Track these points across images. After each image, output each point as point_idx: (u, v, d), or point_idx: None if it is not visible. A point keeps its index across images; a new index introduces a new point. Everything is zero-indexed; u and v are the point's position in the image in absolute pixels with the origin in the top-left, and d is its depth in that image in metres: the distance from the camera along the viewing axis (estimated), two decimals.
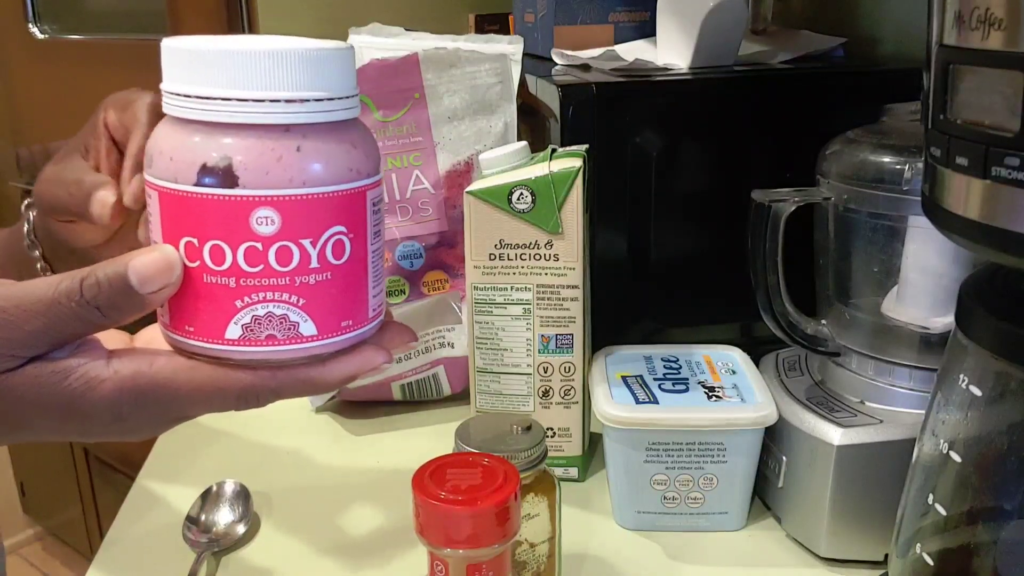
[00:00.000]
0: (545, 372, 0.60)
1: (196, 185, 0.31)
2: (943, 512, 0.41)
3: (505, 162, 0.58)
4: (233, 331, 0.33)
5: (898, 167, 0.50)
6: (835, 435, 0.51)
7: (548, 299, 0.59)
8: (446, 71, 0.70)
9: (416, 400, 0.74)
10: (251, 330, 0.33)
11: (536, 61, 0.84)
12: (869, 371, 0.54)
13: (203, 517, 0.58)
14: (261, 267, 0.32)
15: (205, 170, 0.31)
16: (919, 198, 0.40)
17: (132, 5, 1.53)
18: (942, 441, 0.41)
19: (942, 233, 0.38)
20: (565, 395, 0.61)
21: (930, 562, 0.41)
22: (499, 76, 0.70)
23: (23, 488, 2.14)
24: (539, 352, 0.60)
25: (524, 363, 0.60)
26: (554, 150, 0.59)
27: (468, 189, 0.58)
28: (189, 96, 0.31)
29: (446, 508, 0.35)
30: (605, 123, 0.65)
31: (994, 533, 0.40)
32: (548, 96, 0.69)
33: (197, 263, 0.32)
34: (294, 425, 0.72)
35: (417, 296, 0.71)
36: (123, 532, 0.59)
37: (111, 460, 1.79)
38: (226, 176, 0.31)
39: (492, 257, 0.59)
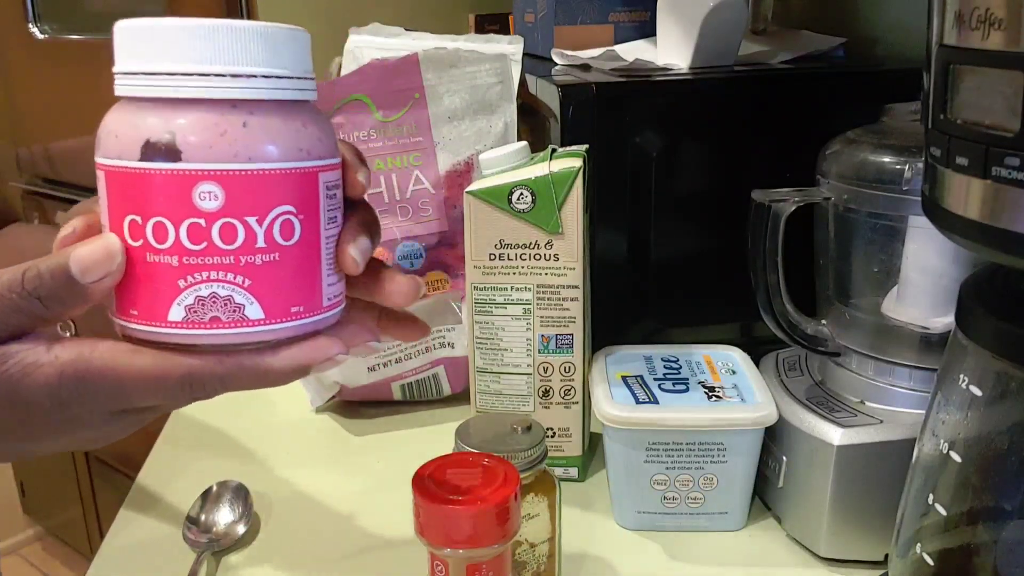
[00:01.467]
0: (545, 372, 0.60)
1: (140, 160, 0.31)
2: (943, 512, 0.41)
3: (505, 162, 0.58)
4: (176, 312, 0.32)
5: (898, 167, 0.50)
6: (835, 435, 0.51)
7: (548, 299, 0.59)
8: (446, 71, 0.70)
9: (416, 400, 0.74)
10: (194, 311, 0.32)
11: (536, 61, 0.84)
12: (869, 371, 0.54)
13: (203, 517, 0.58)
14: (204, 244, 0.31)
15: (148, 145, 0.31)
16: (919, 198, 0.40)
17: (132, 5, 1.53)
18: (942, 441, 0.41)
19: (942, 233, 0.38)
20: (565, 395, 0.61)
21: (930, 562, 0.41)
22: (499, 76, 0.70)
23: (23, 488, 2.14)
24: (539, 352, 0.60)
25: (524, 363, 0.60)
26: (554, 150, 0.59)
27: (468, 189, 0.58)
28: (135, 73, 0.31)
29: (446, 508, 0.35)
30: (605, 123, 0.65)
31: (994, 533, 0.40)
32: (548, 96, 0.69)
33: (140, 242, 0.32)
34: (294, 425, 0.72)
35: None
36: (123, 532, 0.59)
37: (111, 460, 1.79)
38: (169, 150, 0.31)
39: (492, 257, 0.59)
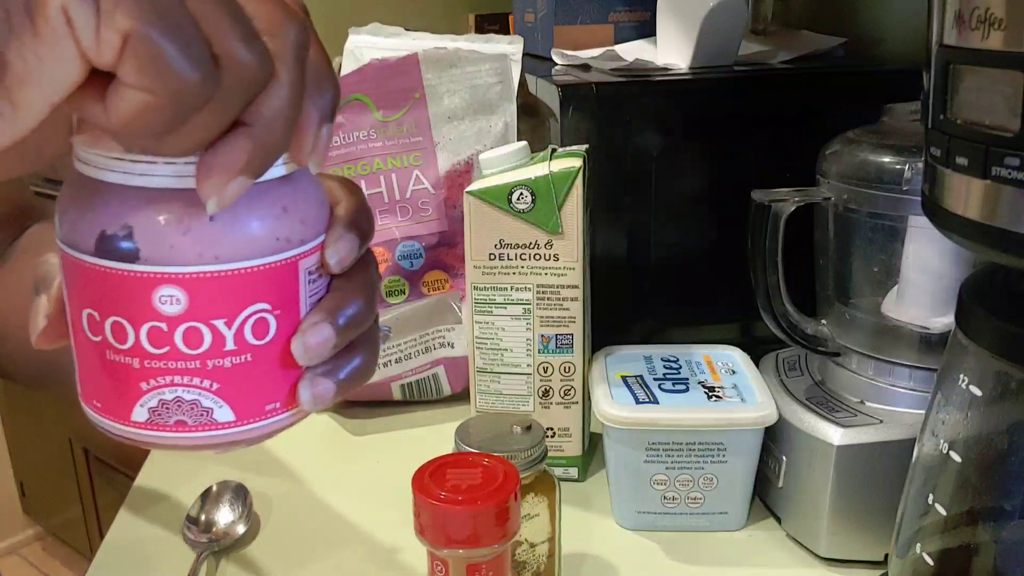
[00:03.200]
0: (545, 372, 0.60)
1: (95, 255, 0.27)
2: (943, 512, 0.41)
3: (505, 162, 0.58)
4: (139, 413, 0.29)
5: (898, 167, 0.50)
6: (835, 435, 0.51)
7: (548, 299, 0.59)
8: (446, 71, 0.70)
9: (416, 400, 0.74)
10: (158, 414, 0.29)
11: (536, 61, 0.84)
12: (869, 371, 0.54)
13: (203, 517, 0.58)
14: (167, 349, 0.28)
15: (104, 239, 0.27)
16: (919, 198, 0.40)
17: None
18: (942, 441, 0.41)
19: (942, 233, 0.38)
20: (565, 395, 0.61)
21: (930, 562, 0.41)
22: (499, 76, 0.70)
23: (23, 488, 2.14)
24: (539, 352, 0.60)
25: (524, 363, 0.60)
26: (554, 150, 0.59)
27: (468, 189, 0.58)
28: (90, 152, 0.27)
29: (446, 508, 0.35)
30: (605, 123, 0.65)
31: (994, 533, 0.40)
32: (548, 96, 0.69)
33: (100, 338, 0.28)
34: (294, 425, 0.72)
35: (417, 296, 0.71)
36: (123, 532, 0.59)
37: (111, 460, 1.79)
38: (126, 247, 0.27)
39: (492, 257, 0.59)
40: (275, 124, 0.25)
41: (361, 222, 0.31)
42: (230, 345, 0.28)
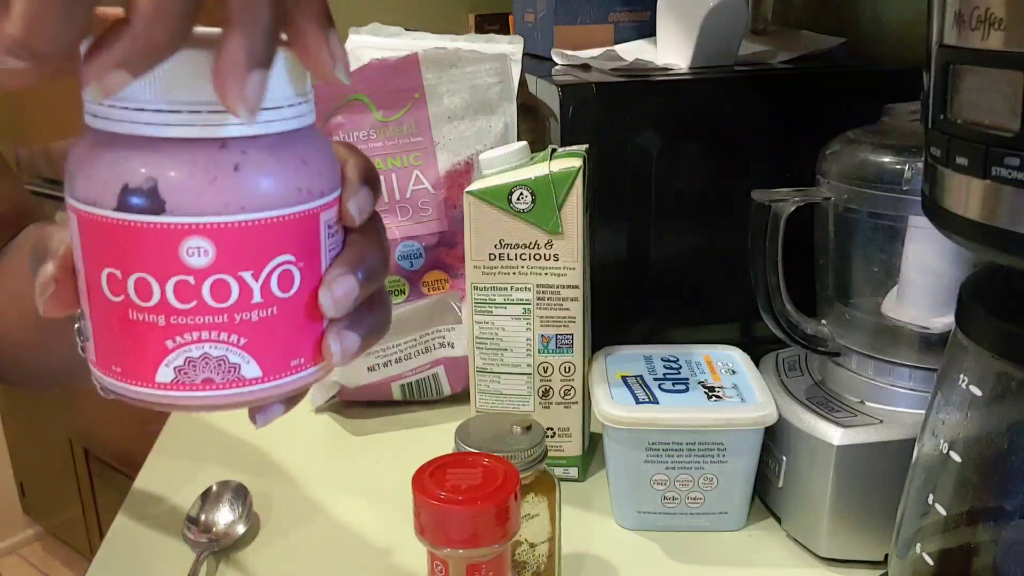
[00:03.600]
0: (545, 372, 0.60)
1: (117, 210, 0.27)
2: (943, 512, 0.41)
3: (505, 162, 0.58)
4: (164, 374, 0.28)
5: (898, 167, 0.50)
6: (835, 435, 0.51)
7: (548, 299, 0.59)
8: (446, 71, 0.70)
9: (416, 400, 0.74)
10: (185, 373, 0.28)
11: (536, 61, 0.84)
12: (869, 371, 0.54)
13: (203, 517, 0.58)
14: (194, 303, 0.27)
15: (127, 192, 0.26)
16: (919, 198, 0.40)
17: None
18: (942, 441, 0.41)
19: (942, 233, 0.38)
20: (565, 395, 0.61)
21: (930, 562, 0.41)
22: (499, 76, 0.70)
23: (23, 488, 2.14)
24: (539, 352, 0.60)
25: (524, 363, 0.60)
26: (554, 150, 0.59)
27: (468, 189, 0.58)
28: (106, 104, 0.26)
29: (446, 508, 0.35)
30: (605, 123, 0.65)
31: (994, 533, 0.40)
32: (548, 96, 0.69)
33: (121, 297, 0.28)
34: (294, 425, 0.72)
35: (417, 296, 0.71)
36: (123, 532, 0.59)
37: (111, 460, 1.80)
38: (151, 200, 0.26)
39: (492, 257, 0.59)
40: (151, 19, 0.24)
41: (373, 178, 0.31)
42: (257, 298, 0.28)
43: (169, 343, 0.28)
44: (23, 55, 0.24)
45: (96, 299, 0.29)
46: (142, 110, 0.26)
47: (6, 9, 0.23)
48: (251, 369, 0.29)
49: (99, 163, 0.27)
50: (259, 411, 0.31)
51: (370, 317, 0.32)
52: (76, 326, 0.44)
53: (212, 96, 0.26)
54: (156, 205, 0.26)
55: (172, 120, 0.26)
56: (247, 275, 0.28)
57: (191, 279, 0.27)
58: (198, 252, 0.27)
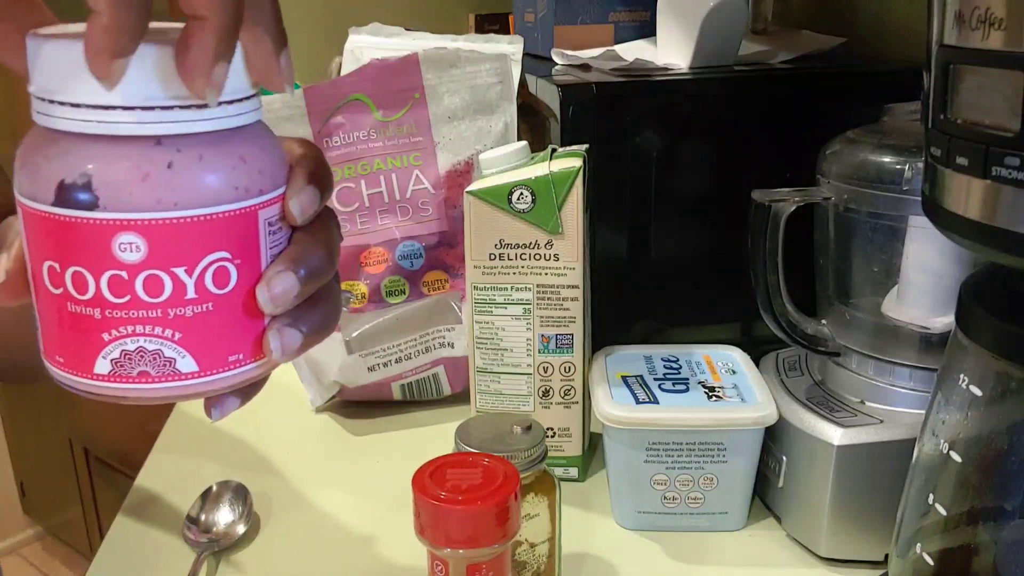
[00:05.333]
0: (545, 372, 0.60)
1: (55, 204, 0.27)
2: (943, 512, 0.41)
3: (505, 162, 0.58)
4: (102, 366, 0.29)
5: (898, 167, 0.50)
6: (835, 435, 0.51)
7: (548, 299, 0.59)
8: (446, 71, 0.70)
9: (416, 400, 0.74)
10: (121, 366, 0.29)
11: (536, 61, 0.84)
12: (869, 371, 0.54)
13: (203, 517, 0.58)
14: (128, 298, 0.28)
15: (63, 188, 0.27)
16: (919, 198, 0.40)
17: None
18: (942, 441, 0.41)
19: (942, 233, 0.38)
20: (565, 395, 0.61)
21: (930, 562, 0.41)
22: (499, 76, 0.70)
23: (23, 488, 2.14)
24: (539, 352, 0.60)
25: (524, 363, 0.60)
26: (554, 150, 0.59)
27: (468, 189, 0.58)
28: (47, 101, 0.27)
29: (446, 508, 0.35)
30: (605, 123, 0.65)
31: (994, 533, 0.40)
32: (548, 96, 0.69)
33: (61, 290, 0.28)
34: (294, 425, 0.72)
35: (417, 296, 0.71)
36: (123, 532, 0.59)
37: (111, 460, 1.79)
38: (86, 195, 0.27)
39: (492, 257, 0.59)
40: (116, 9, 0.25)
41: (321, 177, 0.31)
42: (191, 294, 0.28)
43: (105, 335, 0.29)
44: None
45: (40, 291, 0.29)
46: (78, 106, 0.27)
47: None
48: (187, 363, 0.29)
49: (39, 158, 0.28)
50: (213, 404, 0.32)
51: (313, 314, 0.32)
52: None
53: (147, 94, 0.26)
54: (90, 201, 0.27)
55: (107, 117, 0.27)
56: (180, 271, 0.28)
57: (124, 274, 0.28)
58: (130, 248, 0.27)
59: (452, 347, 0.72)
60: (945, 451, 0.40)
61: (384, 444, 0.69)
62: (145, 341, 0.29)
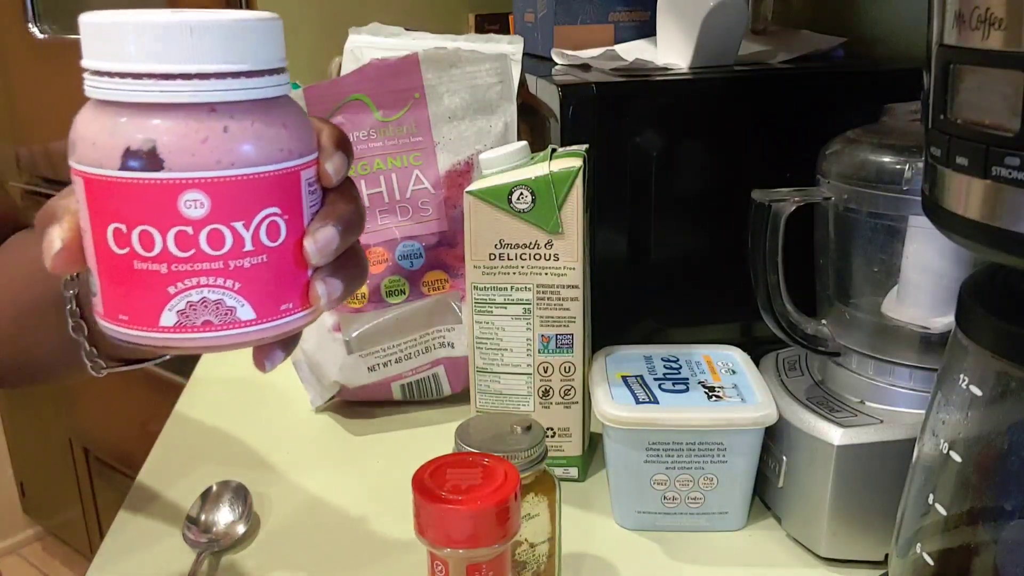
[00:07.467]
0: (545, 372, 0.60)
1: (121, 169, 0.30)
2: (943, 512, 0.41)
3: (505, 162, 0.58)
4: (168, 318, 0.32)
5: (898, 167, 0.50)
6: (835, 435, 0.51)
7: (548, 299, 0.59)
8: (446, 71, 0.70)
9: (416, 400, 0.74)
10: (186, 316, 0.32)
11: (536, 61, 0.84)
12: (869, 371, 0.54)
13: (203, 517, 0.58)
14: (193, 251, 0.31)
15: (129, 154, 0.30)
16: (919, 198, 0.40)
17: (132, 5, 1.53)
18: (942, 441, 0.41)
19: (942, 233, 0.38)
20: (565, 395, 0.61)
21: (930, 562, 0.41)
22: (499, 76, 0.70)
23: (23, 488, 2.15)
24: (539, 352, 0.60)
25: (524, 363, 0.60)
26: (554, 150, 0.59)
27: (468, 189, 0.58)
28: (108, 75, 0.30)
29: (446, 508, 0.35)
30: (605, 123, 0.65)
31: (994, 533, 0.40)
32: (548, 96, 0.69)
33: (126, 250, 0.31)
34: (294, 425, 0.72)
35: (417, 296, 0.71)
36: (123, 532, 0.59)
37: (111, 460, 1.80)
38: (151, 159, 0.30)
39: (492, 257, 0.59)
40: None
41: (346, 144, 0.35)
42: (248, 246, 0.32)
43: (171, 289, 0.31)
44: None
45: (103, 254, 0.32)
46: (140, 77, 0.29)
47: None
48: (246, 312, 0.32)
49: (102, 129, 0.31)
50: (265, 355, 0.35)
51: (350, 266, 0.35)
52: (68, 307, 0.48)
53: (201, 63, 0.30)
54: (156, 164, 0.30)
55: (167, 87, 0.30)
56: (239, 225, 0.31)
57: (189, 229, 0.31)
58: (195, 204, 0.30)
59: (452, 347, 0.72)
60: (945, 451, 0.40)
61: (384, 444, 0.69)
62: (208, 292, 0.32)
